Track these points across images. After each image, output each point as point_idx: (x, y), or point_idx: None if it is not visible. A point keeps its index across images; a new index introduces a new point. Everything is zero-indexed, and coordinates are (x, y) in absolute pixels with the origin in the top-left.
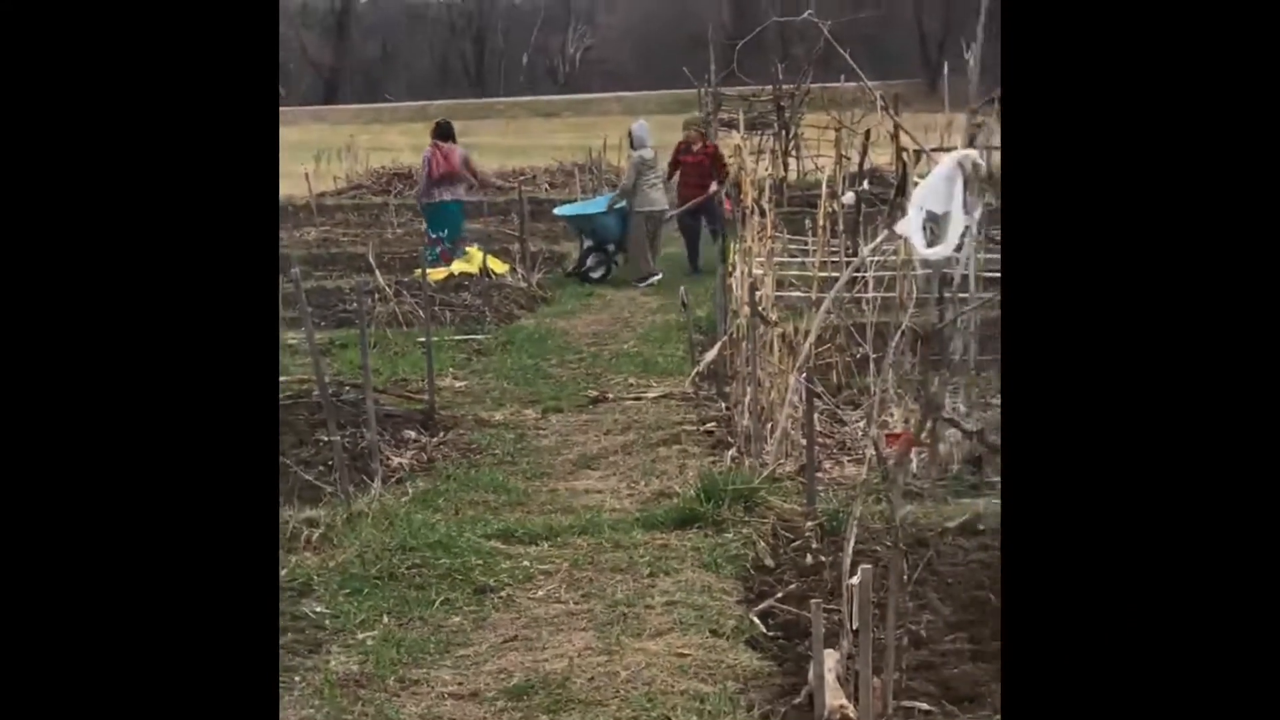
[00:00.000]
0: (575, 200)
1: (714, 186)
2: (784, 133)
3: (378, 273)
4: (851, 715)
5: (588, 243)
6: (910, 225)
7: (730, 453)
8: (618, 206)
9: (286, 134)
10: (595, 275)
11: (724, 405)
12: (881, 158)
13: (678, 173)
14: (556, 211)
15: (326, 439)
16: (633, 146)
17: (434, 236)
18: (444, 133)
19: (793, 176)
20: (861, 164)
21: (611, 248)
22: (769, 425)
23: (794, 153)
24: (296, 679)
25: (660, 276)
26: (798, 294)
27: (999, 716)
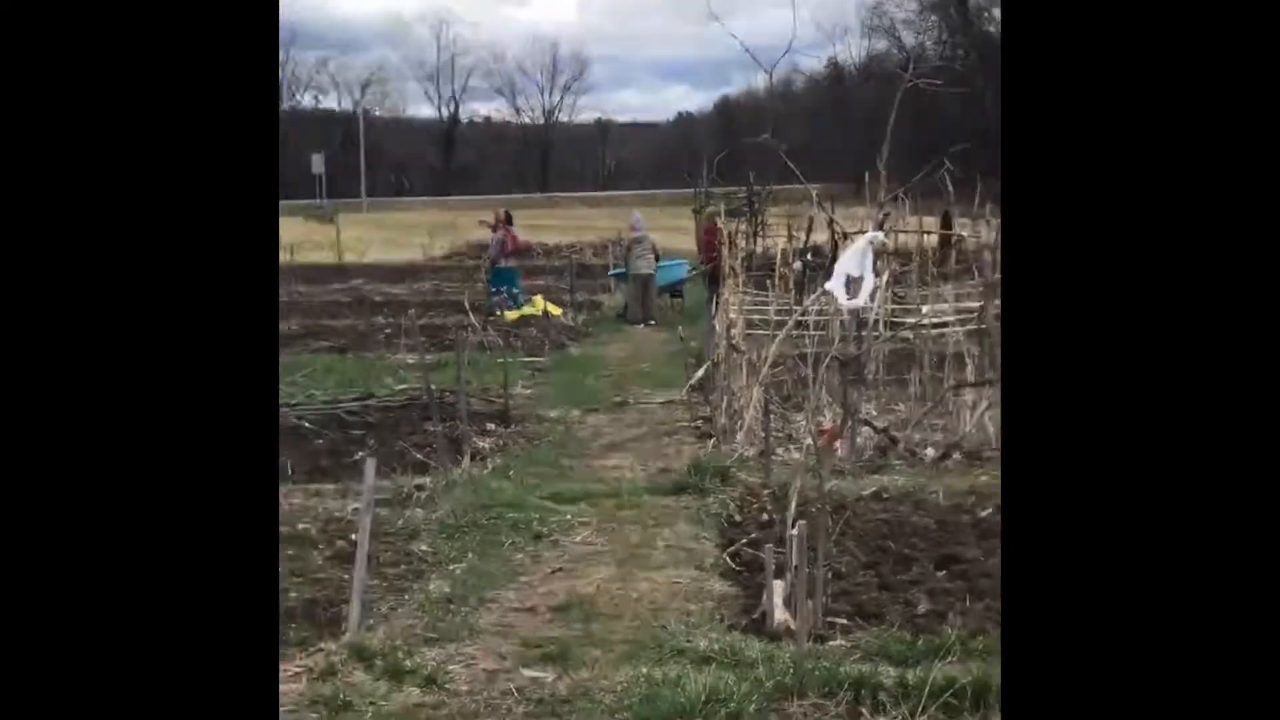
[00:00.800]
0: (611, 267)
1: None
2: (753, 219)
3: (470, 314)
4: (792, 626)
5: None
6: (836, 284)
7: (712, 442)
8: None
9: (410, 217)
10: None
11: (708, 408)
12: (820, 237)
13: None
14: (610, 273)
15: (431, 429)
16: (631, 230)
17: (495, 290)
18: (509, 219)
19: (759, 250)
20: (805, 241)
21: None
22: (739, 423)
23: (760, 233)
24: (406, 598)
25: (655, 322)
26: (760, 332)
27: (897, 630)
